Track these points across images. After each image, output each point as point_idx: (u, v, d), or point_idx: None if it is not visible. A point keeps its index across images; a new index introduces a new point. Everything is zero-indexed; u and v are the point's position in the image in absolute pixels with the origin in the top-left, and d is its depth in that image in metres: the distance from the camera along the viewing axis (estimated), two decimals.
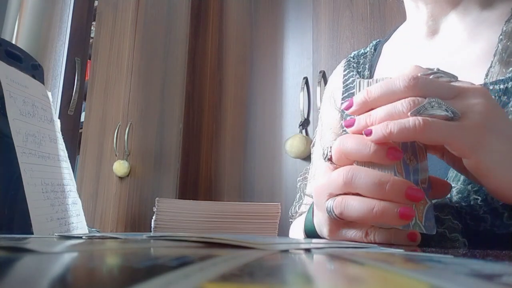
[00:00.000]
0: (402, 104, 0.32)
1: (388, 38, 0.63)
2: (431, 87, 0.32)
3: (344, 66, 0.64)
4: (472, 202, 0.39)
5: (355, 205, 0.32)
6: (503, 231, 0.38)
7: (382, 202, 0.31)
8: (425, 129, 0.30)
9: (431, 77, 0.34)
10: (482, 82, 0.45)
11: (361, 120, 0.34)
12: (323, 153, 0.37)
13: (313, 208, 0.42)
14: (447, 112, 0.31)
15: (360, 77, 0.60)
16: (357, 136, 0.33)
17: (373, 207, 0.31)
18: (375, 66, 0.60)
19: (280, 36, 1.50)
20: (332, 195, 0.34)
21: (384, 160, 0.32)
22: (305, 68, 1.41)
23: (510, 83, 0.42)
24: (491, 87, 0.43)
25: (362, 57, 0.63)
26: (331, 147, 0.35)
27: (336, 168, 0.35)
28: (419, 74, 0.33)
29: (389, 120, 0.32)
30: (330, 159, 0.36)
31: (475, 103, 0.32)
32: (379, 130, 0.32)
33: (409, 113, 0.31)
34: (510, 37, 0.45)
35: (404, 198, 0.30)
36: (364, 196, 0.32)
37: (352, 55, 0.65)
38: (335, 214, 0.33)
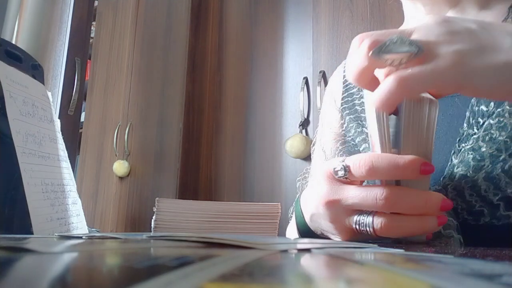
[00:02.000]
0: (361, 47, 0.31)
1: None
2: (383, 35, 0.31)
3: (344, 67, 0.64)
4: (467, 198, 0.39)
5: (401, 225, 0.33)
6: (503, 221, 0.38)
7: (423, 219, 0.33)
8: (404, 87, 0.29)
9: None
10: None
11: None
12: (335, 169, 0.36)
13: (301, 210, 0.42)
14: (411, 47, 0.29)
15: None
16: (388, 156, 0.33)
17: (419, 226, 0.33)
18: None
19: (280, 36, 1.50)
20: (358, 211, 0.35)
21: (417, 177, 0.32)
22: (305, 68, 1.41)
23: None
24: None
25: None
26: (345, 163, 0.34)
27: (349, 183, 0.35)
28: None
29: (352, 67, 0.32)
30: (345, 174, 0.35)
31: (435, 34, 0.30)
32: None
33: (369, 54, 0.30)
34: None
35: (439, 210, 0.33)
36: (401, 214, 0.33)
37: None
38: (372, 231, 0.34)
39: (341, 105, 0.60)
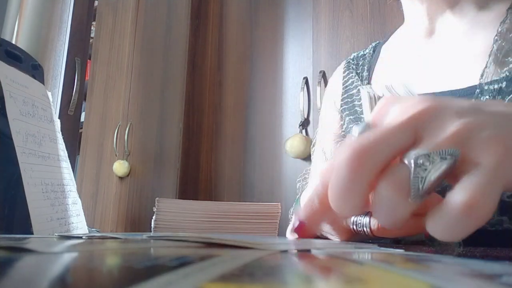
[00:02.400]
0: (392, 206, 0.22)
1: (387, 40, 0.64)
2: (378, 142, 0.22)
3: (344, 68, 0.64)
4: None
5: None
6: (496, 228, 0.38)
7: (420, 219, 0.31)
8: (480, 213, 0.20)
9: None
10: (477, 82, 0.45)
11: None
12: None
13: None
14: (445, 159, 0.21)
15: (359, 78, 0.60)
16: None
17: (416, 225, 0.30)
18: (374, 68, 0.61)
19: (280, 36, 1.50)
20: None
21: None
22: (305, 68, 1.41)
23: (504, 83, 0.42)
24: (486, 87, 0.44)
25: (361, 58, 0.64)
26: None
27: None
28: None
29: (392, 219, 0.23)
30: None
31: (455, 126, 0.22)
32: None
33: (410, 199, 0.22)
34: (505, 38, 0.45)
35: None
36: None
37: (351, 57, 0.65)
38: (369, 231, 0.34)
39: (341, 106, 0.60)
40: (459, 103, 0.24)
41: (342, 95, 0.61)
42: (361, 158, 0.21)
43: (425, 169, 0.21)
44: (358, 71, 0.62)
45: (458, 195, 0.20)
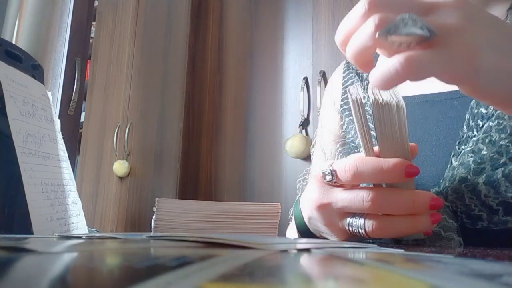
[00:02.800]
0: (367, 25, 0.28)
1: None
2: (396, 4, 0.29)
3: (344, 68, 0.64)
4: (467, 201, 0.39)
5: (393, 226, 0.33)
6: (501, 227, 0.38)
7: (415, 219, 0.33)
8: (410, 69, 0.26)
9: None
10: None
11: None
12: (324, 173, 0.35)
13: (301, 212, 0.42)
14: (423, 30, 0.26)
15: (359, 77, 0.60)
16: (372, 160, 0.33)
17: (411, 226, 0.33)
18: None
19: (280, 36, 1.50)
20: (350, 214, 0.35)
21: (402, 180, 0.32)
22: (305, 68, 1.41)
23: None
24: None
25: None
26: (332, 167, 0.35)
27: (338, 186, 0.35)
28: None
29: (355, 45, 0.29)
30: (332, 179, 0.35)
31: (453, 19, 0.28)
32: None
33: (376, 34, 0.27)
34: None
35: (428, 209, 0.32)
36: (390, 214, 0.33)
37: None
38: (364, 232, 0.34)
39: (341, 107, 0.60)
40: (486, 12, 0.30)
41: (342, 95, 0.61)
42: (375, 4, 0.28)
43: (406, 24, 0.26)
44: (358, 71, 0.62)
45: (401, 54, 0.27)
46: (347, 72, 0.63)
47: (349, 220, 0.35)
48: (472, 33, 0.28)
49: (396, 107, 0.32)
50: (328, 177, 0.35)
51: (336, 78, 0.65)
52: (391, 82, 0.27)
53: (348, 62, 0.65)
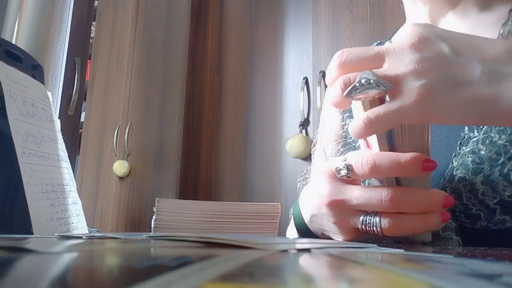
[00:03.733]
0: (335, 87, 0.33)
1: (389, 39, 0.64)
2: (358, 58, 0.32)
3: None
4: (465, 201, 0.39)
5: (407, 224, 0.33)
6: (499, 227, 0.38)
7: (427, 217, 0.33)
8: (371, 126, 0.31)
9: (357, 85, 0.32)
10: None
11: None
12: (338, 168, 0.35)
13: (300, 212, 0.42)
14: (379, 87, 0.30)
15: None
16: (389, 154, 0.33)
17: (424, 224, 0.33)
18: None
19: (280, 36, 1.50)
20: (362, 212, 0.35)
21: (420, 173, 0.32)
22: (305, 68, 1.41)
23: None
24: None
25: None
26: (347, 162, 0.34)
27: (351, 182, 0.35)
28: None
29: (331, 99, 0.34)
30: (347, 173, 0.35)
31: (402, 67, 0.30)
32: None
33: (343, 95, 0.32)
34: (507, 39, 0.46)
35: (442, 207, 0.33)
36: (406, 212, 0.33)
37: None
38: (380, 230, 0.34)
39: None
40: (438, 45, 0.31)
41: None
42: (342, 65, 0.33)
43: (363, 85, 0.31)
44: None
45: (364, 114, 0.31)
46: None
47: (362, 218, 0.34)
48: (423, 74, 0.30)
49: None
50: (343, 172, 0.34)
51: None
52: (361, 136, 0.32)
53: None
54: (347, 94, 0.31)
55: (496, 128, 0.40)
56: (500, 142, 0.39)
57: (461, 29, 0.52)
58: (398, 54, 0.31)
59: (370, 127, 0.31)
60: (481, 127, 0.42)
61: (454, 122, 0.31)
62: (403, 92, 0.30)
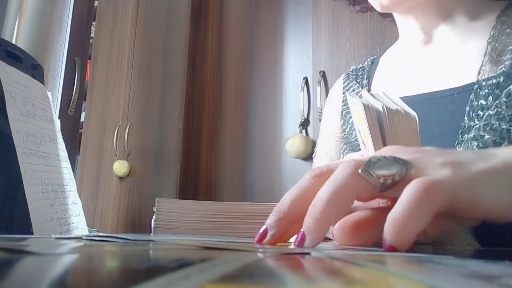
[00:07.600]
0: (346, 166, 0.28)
1: (383, 53, 0.69)
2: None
3: (344, 79, 0.70)
4: None
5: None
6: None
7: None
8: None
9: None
10: (474, 80, 0.48)
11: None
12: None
13: None
14: (401, 165, 0.27)
15: (359, 85, 0.64)
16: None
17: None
18: (373, 76, 0.65)
19: (280, 36, 1.50)
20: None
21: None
22: (305, 68, 1.41)
23: (502, 77, 0.45)
24: (484, 83, 0.47)
25: (360, 70, 0.68)
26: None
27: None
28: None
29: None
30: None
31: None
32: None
33: (359, 171, 0.27)
34: (498, 40, 0.49)
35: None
36: None
37: (350, 70, 0.71)
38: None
39: (343, 110, 0.64)
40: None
41: (344, 100, 0.65)
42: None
43: (382, 163, 0.27)
44: (358, 80, 0.66)
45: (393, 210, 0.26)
46: (347, 81, 0.67)
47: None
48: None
49: (406, 116, 0.33)
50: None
51: (337, 87, 0.70)
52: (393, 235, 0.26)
53: (348, 73, 0.69)
54: (363, 170, 0.27)
55: (496, 116, 0.42)
56: (503, 126, 0.41)
57: (454, 35, 0.55)
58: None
59: (397, 225, 0.25)
60: (481, 116, 0.43)
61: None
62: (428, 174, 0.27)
